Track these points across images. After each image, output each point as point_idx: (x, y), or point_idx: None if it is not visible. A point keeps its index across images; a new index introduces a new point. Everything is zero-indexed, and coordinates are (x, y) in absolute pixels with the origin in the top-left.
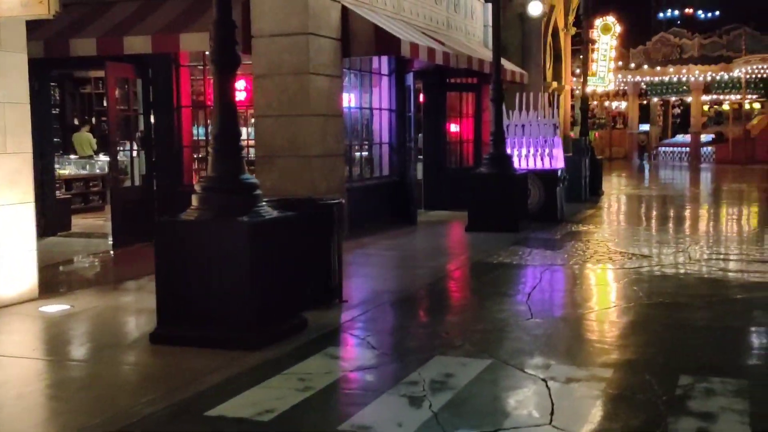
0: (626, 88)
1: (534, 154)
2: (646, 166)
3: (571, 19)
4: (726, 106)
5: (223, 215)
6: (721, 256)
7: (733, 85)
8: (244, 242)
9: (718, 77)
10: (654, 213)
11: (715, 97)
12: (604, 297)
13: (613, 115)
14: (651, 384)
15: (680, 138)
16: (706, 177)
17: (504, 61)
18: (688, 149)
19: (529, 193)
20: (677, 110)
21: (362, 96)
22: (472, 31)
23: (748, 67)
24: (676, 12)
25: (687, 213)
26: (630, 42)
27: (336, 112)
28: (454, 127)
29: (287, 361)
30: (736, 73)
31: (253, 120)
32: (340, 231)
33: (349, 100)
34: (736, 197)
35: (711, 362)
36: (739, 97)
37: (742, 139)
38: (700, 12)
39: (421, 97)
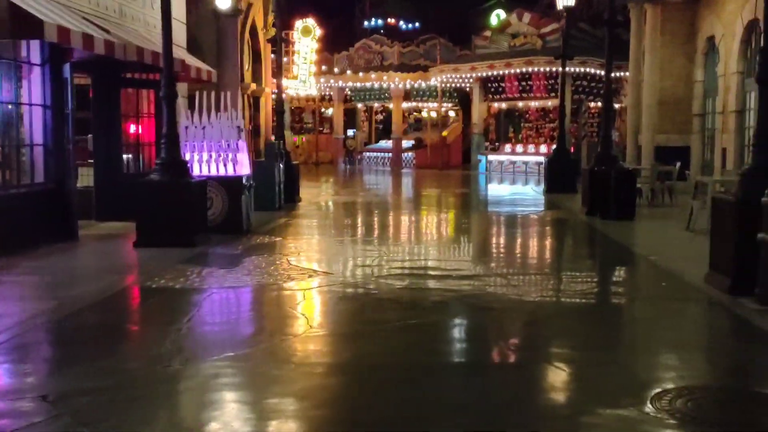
0: (332, 93)
1: (216, 159)
2: (351, 171)
3: (271, 19)
4: (425, 114)
5: None
6: (408, 271)
7: (431, 94)
8: None
9: (416, 85)
10: (349, 221)
11: (414, 104)
12: (266, 329)
13: (321, 120)
14: None
15: (383, 143)
16: (406, 182)
17: (188, 57)
18: (390, 154)
19: (211, 203)
20: (381, 116)
21: (4, 88)
22: (154, 23)
23: (443, 76)
24: (381, 21)
25: (382, 221)
26: (336, 48)
27: None
28: (133, 128)
29: None
30: (432, 82)
31: None
32: None
33: None
34: (431, 203)
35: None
36: (436, 104)
37: (439, 145)
38: (402, 23)
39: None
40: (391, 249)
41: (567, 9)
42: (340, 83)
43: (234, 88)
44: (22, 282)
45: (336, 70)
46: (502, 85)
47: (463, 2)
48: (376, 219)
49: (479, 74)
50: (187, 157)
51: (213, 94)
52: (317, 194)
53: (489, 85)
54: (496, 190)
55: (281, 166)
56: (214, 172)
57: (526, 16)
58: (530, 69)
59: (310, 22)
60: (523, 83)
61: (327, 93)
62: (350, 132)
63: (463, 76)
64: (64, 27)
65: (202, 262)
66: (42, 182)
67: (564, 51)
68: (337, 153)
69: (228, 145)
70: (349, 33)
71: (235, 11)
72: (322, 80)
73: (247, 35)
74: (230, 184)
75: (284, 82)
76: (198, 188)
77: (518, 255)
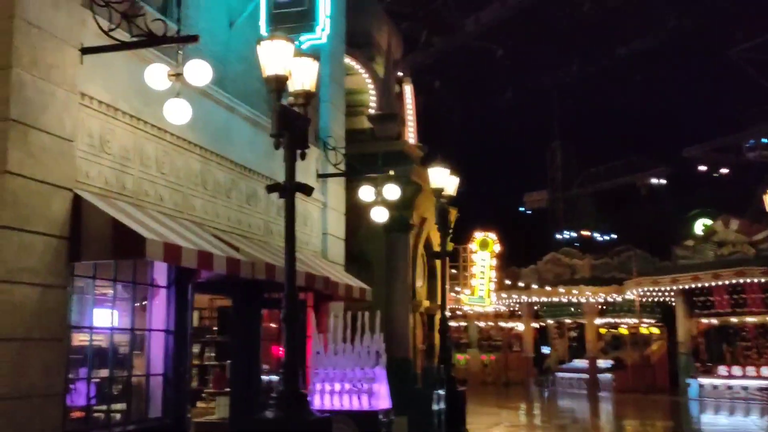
0: (520, 309)
1: (349, 390)
2: (541, 394)
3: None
4: (623, 330)
5: None
6: None
7: (628, 308)
8: None
9: (611, 299)
10: None
11: (611, 320)
12: None
13: (510, 337)
14: None
15: (577, 363)
16: (601, 410)
17: (337, 273)
18: (585, 376)
19: None
20: (574, 333)
21: (125, 312)
22: (306, 240)
23: (640, 290)
24: (574, 233)
25: None
26: (525, 262)
27: (51, 334)
28: (275, 352)
29: None
30: (628, 296)
31: None
32: None
33: (100, 316)
34: None
35: None
36: (635, 320)
37: (642, 366)
38: (596, 235)
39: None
40: None
41: None
42: (528, 298)
43: (404, 305)
44: None
45: (521, 284)
46: (710, 298)
47: (664, 213)
48: None
49: (682, 286)
50: (318, 387)
51: (347, 313)
52: (493, 423)
53: (694, 298)
54: (709, 423)
55: (441, 393)
56: (346, 406)
57: (734, 223)
58: (742, 280)
59: (489, 235)
60: (735, 296)
61: (515, 308)
62: (545, 350)
63: (664, 289)
64: (173, 245)
65: None
66: (159, 417)
67: None
68: (528, 373)
69: (364, 373)
70: (541, 247)
71: (401, 226)
72: (504, 295)
73: (421, 250)
74: (363, 420)
75: (463, 297)
76: (320, 426)
77: None
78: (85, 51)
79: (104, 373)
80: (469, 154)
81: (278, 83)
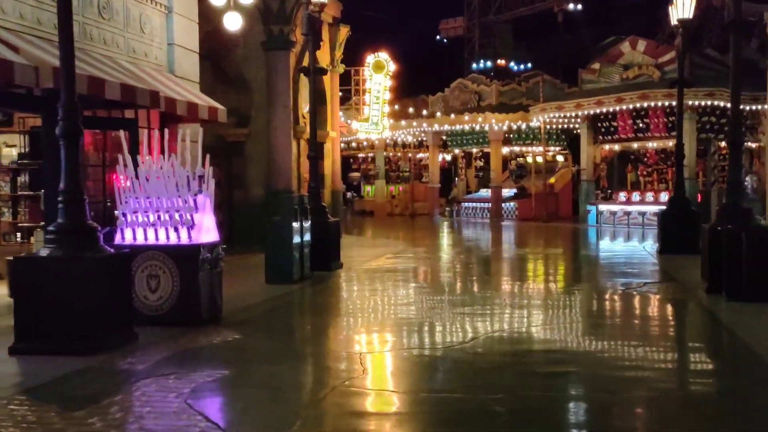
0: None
1: (165, 222)
2: (442, 224)
3: (339, 54)
4: (529, 159)
5: None
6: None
7: (534, 136)
8: None
9: (516, 127)
10: (382, 300)
11: (517, 148)
12: None
13: (419, 168)
14: None
15: (483, 193)
16: (496, 238)
17: (180, 89)
18: (490, 204)
19: (157, 284)
20: (480, 163)
21: None
22: (143, 50)
23: (546, 116)
24: (489, 63)
25: (425, 305)
26: (438, 91)
27: None
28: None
29: None
30: (535, 123)
31: None
32: None
33: None
34: (508, 271)
35: None
36: (540, 149)
37: (545, 194)
38: (513, 64)
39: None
40: (400, 360)
41: (683, 23)
42: (433, 127)
43: (285, 132)
44: None
45: (424, 112)
46: (614, 124)
47: (580, 41)
48: (418, 300)
49: (586, 112)
50: (129, 218)
51: (151, 133)
52: (375, 256)
53: (599, 124)
54: (600, 249)
55: (305, 225)
56: (162, 240)
57: (641, 44)
58: (646, 104)
59: (381, 56)
60: (639, 121)
61: (424, 138)
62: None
63: (569, 115)
64: None
65: (58, 393)
66: None
67: (681, 75)
68: (435, 203)
69: (184, 202)
70: (455, 76)
71: (281, 42)
72: (404, 123)
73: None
74: (182, 256)
75: (355, 124)
76: (116, 265)
77: (578, 385)
78: None
79: None
80: None
81: None
